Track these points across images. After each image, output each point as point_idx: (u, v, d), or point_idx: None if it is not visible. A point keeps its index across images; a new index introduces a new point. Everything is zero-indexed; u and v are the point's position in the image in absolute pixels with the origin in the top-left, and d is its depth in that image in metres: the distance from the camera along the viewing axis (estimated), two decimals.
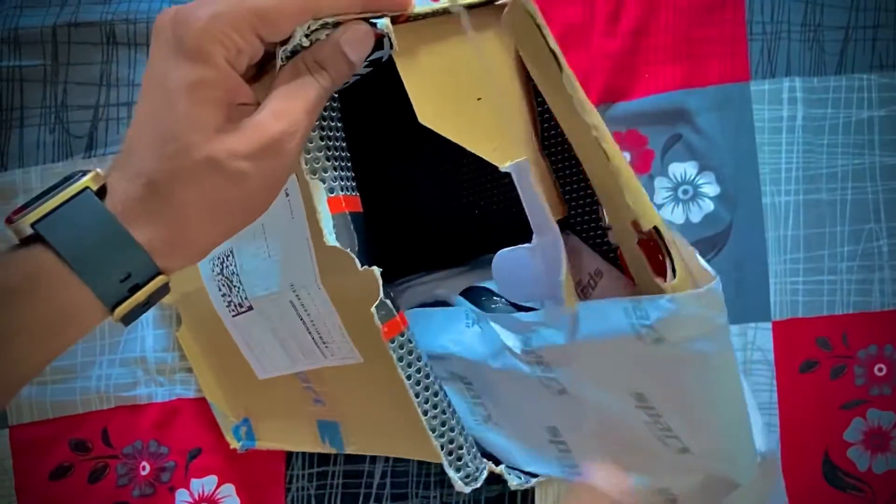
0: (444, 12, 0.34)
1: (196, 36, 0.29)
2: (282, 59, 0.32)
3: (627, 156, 0.53)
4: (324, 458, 0.54)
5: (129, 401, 0.54)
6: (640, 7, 0.52)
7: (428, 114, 0.33)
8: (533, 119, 0.38)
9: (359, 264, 0.34)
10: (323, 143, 0.35)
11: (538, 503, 0.52)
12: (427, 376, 0.37)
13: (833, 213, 0.51)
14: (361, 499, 0.54)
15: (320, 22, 0.31)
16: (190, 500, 0.54)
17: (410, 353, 0.36)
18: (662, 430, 0.36)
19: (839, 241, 0.51)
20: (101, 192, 0.29)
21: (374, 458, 0.53)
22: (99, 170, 0.30)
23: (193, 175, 0.29)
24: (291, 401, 0.47)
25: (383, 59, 0.34)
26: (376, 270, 0.35)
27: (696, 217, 0.52)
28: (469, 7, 0.35)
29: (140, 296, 0.30)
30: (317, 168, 0.34)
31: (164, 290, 0.31)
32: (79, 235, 0.29)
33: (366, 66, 0.34)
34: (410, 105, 0.34)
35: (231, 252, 0.43)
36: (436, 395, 0.37)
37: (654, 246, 0.32)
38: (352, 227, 0.35)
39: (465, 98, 0.34)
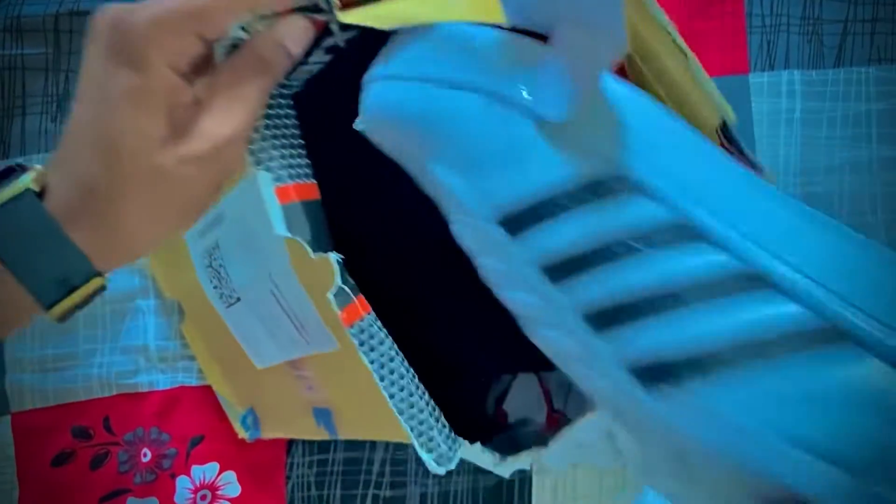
0: None
1: (135, 44, 0.28)
2: (220, 55, 0.31)
3: None
4: (324, 446, 0.54)
5: (131, 388, 0.55)
6: None
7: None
8: None
9: (311, 252, 0.34)
10: (269, 133, 0.33)
11: (535, 492, 0.53)
12: (391, 359, 0.37)
13: (831, 206, 0.52)
14: (361, 485, 0.54)
15: (258, 16, 0.30)
16: (191, 486, 0.55)
17: (372, 336, 0.36)
18: None
19: None
20: (41, 193, 0.30)
21: (373, 446, 0.54)
22: (39, 167, 0.30)
23: (136, 182, 0.29)
24: (287, 389, 0.47)
25: (341, 45, 0.33)
26: (332, 256, 0.34)
27: None
28: None
29: (76, 297, 0.30)
30: (262, 158, 0.33)
31: (102, 289, 0.31)
32: (18, 237, 0.29)
33: (326, 53, 0.33)
34: None
35: (217, 244, 0.43)
36: (402, 377, 0.37)
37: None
38: (304, 216, 0.34)
39: None
